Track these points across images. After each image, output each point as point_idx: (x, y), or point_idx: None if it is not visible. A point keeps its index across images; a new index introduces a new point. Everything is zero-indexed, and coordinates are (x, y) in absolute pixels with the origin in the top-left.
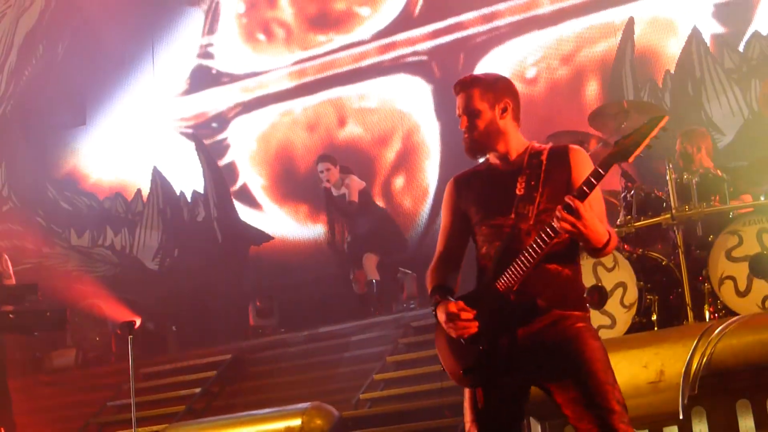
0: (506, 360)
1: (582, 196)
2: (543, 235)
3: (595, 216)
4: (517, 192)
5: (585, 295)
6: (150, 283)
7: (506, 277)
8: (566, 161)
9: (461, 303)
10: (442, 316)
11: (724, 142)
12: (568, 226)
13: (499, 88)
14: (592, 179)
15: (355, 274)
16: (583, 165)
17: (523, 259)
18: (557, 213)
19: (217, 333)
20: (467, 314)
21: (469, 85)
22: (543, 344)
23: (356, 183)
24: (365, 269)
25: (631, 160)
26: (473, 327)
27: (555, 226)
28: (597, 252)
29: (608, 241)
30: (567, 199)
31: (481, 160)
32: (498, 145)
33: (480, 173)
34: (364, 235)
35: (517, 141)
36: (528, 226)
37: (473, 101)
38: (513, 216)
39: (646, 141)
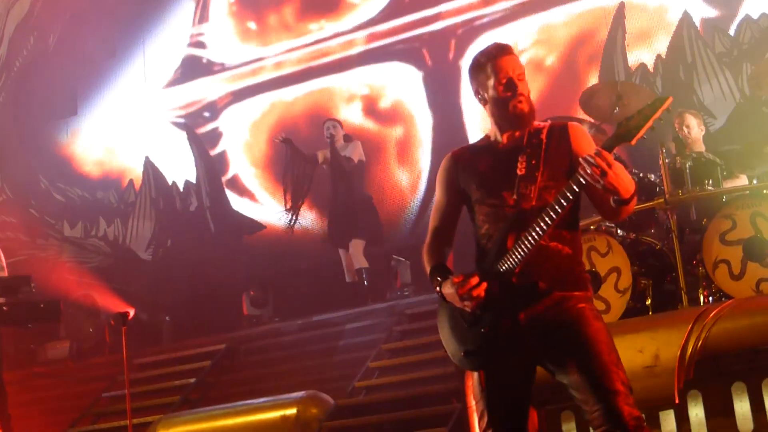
0: (508, 342)
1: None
2: (545, 217)
3: (621, 165)
4: (519, 172)
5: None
6: (143, 273)
7: (508, 258)
8: (566, 137)
9: (461, 275)
10: (449, 289)
11: (716, 125)
12: (597, 172)
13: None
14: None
15: (346, 262)
16: (582, 139)
17: (525, 240)
18: (588, 158)
19: (211, 323)
20: (474, 280)
21: (510, 50)
22: (546, 325)
23: (360, 150)
24: (352, 257)
25: (634, 141)
26: (481, 291)
27: (583, 174)
28: (623, 203)
29: (635, 191)
30: (596, 149)
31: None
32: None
33: (479, 149)
34: (346, 220)
35: None
36: (530, 206)
37: (520, 66)
38: (515, 197)
39: (650, 123)
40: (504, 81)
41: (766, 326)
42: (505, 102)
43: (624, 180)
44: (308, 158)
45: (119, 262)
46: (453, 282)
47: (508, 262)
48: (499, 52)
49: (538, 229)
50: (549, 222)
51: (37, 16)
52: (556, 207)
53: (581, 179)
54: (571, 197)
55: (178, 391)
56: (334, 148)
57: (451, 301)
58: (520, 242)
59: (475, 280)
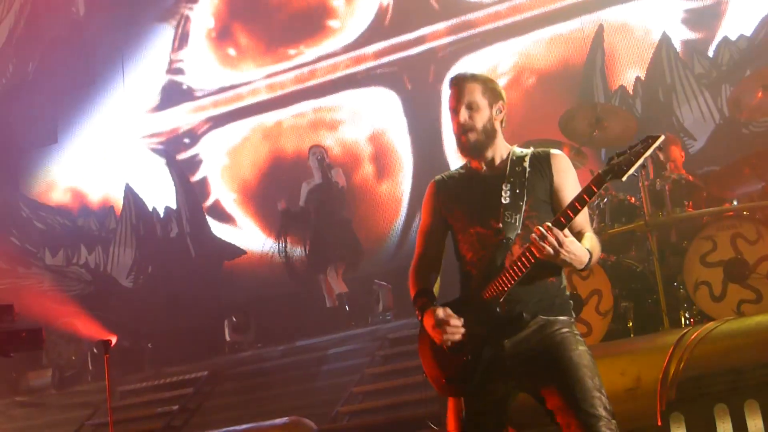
0: (491, 370)
1: (574, 212)
2: (532, 249)
3: (574, 241)
4: (503, 200)
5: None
6: (125, 300)
7: (493, 287)
8: (548, 168)
9: (448, 309)
10: (429, 322)
11: (696, 147)
12: (549, 251)
13: (496, 89)
14: (585, 196)
15: (326, 287)
16: (564, 171)
17: (510, 270)
18: (536, 235)
19: (194, 349)
20: (456, 321)
21: (471, 79)
22: (529, 351)
23: (342, 176)
24: (331, 282)
25: (624, 178)
26: (459, 334)
27: (534, 250)
28: (579, 271)
29: (589, 259)
30: (544, 227)
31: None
32: (490, 148)
33: (463, 177)
34: (326, 245)
35: (503, 145)
36: (515, 236)
37: (475, 95)
38: (500, 225)
39: (640, 160)
40: (453, 119)
41: (748, 348)
42: (456, 135)
43: (575, 256)
44: (303, 216)
45: (101, 290)
46: (437, 317)
47: (493, 292)
48: (452, 81)
49: (520, 264)
50: (527, 263)
51: (16, 43)
52: (528, 255)
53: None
54: (536, 255)
55: (161, 418)
56: (326, 174)
57: (428, 331)
58: (505, 272)
59: (456, 322)
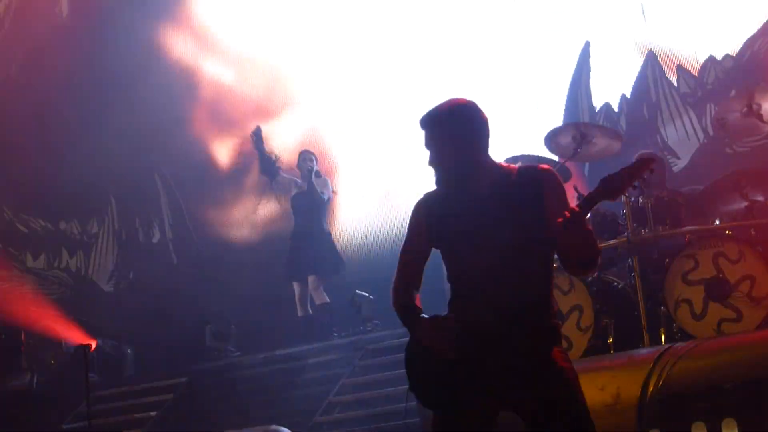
0: (477, 387)
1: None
2: (520, 273)
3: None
4: (491, 218)
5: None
6: (105, 305)
7: (484, 306)
8: (538, 184)
9: (443, 320)
10: (423, 332)
11: (680, 165)
12: (568, 221)
13: (462, 124)
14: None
15: (298, 295)
16: (554, 187)
17: (502, 290)
18: (561, 221)
19: (173, 356)
20: (450, 333)
21: (431, 123)
22: (515, 368)
23: (329, 187)
24: (312, 292)
25: (615, 199)
26: (452, 351)
27: (556, 234)
28: (585, 267)
29: (599, 255)
30: (568, 210)
31: None
32: (467, 178)
33: (451, 196)
34: (306, 254)
35: (486, 166)
36: (507, 255)
37: (437, 141)
38: (489, 244)
39: (632, 182)
40: None
41: (727, 366)
42: None
43: (591, 238)
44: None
45: (82, 294)
46: (428, 324)
47: (484, 311)
48: (420, 125)
49: (513, 281)
50: (521, 276)
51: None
52: (520, 274)
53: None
54: (540, 259)
55: (140, 423)
56: (311, 181)
57: (423, 342)
58: (496, 291)
59: (450, 323)
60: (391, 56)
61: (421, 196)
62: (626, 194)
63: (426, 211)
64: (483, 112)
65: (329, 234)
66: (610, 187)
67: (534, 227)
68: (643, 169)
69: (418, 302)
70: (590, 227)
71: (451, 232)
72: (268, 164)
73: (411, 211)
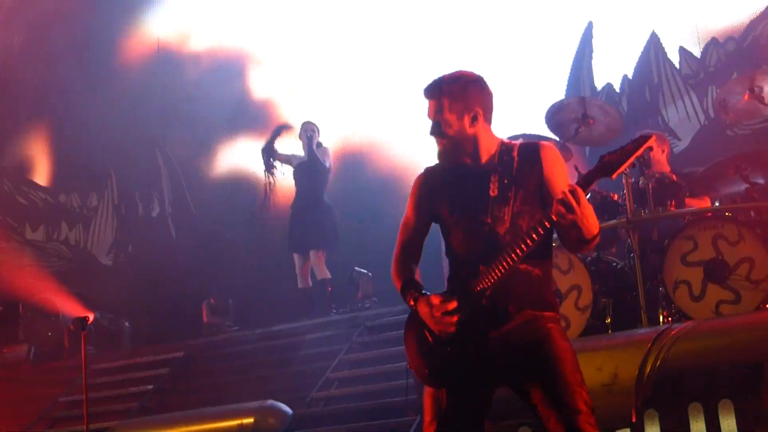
0: (474, 363)
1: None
2: (521, 243)
3: (589, 205)
4: (491, 193)
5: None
6: (104, 278)
7: (480, 281)
8: (538, 159)
9: (444, 300)
10: (425, 310)
11: (680, 147)
12: (566, 212)
13: (469, 96)
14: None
15: (299, 267)
16: (555, 164)
17: (499, 264)
18: (560, 198)
19: (171, 330)
20: (450, 314)
21: (438, 93)
22: (513, 345)
23: (330, 156)
24: (314, 267)
25: (614, 176)
26: (453, 327)
27: (554, 213)
28: (585, 244)
29: (598, 233)
30: (568, 186)
31: None
32: (469, 152)
33: (452, 170)
34: (308, 227)
35: (488, 141)
36: (504, 230)
37: (442, 112)
38: (489, 220)
39: (631, 159)
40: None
41: (724, 348)
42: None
43: (589, 222)
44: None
45: (80, 267)
46: (430, 302)
47: (480, 285)
48: (425, 94)
49: (510, 256)
50: (520, 252)
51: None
52: (527, 240)
53: (552, 216)
54: (542, 232)
55: (136, 397)
56: (312, 150)
57: (424, 320)
58: (492, 266)
59: (452, 305)
60: (395, 34)
61: (422, 169)
62: (625, 172)
63: (427, 185)
64: (488, 86)
65: (330, 206)
66: (608, 163)
67: (531, 203)
68: (641, 147)
69: (417, 276)
70: (589, 205)
71: (451, 206)
72: (267, 160)
73: (412, 185)
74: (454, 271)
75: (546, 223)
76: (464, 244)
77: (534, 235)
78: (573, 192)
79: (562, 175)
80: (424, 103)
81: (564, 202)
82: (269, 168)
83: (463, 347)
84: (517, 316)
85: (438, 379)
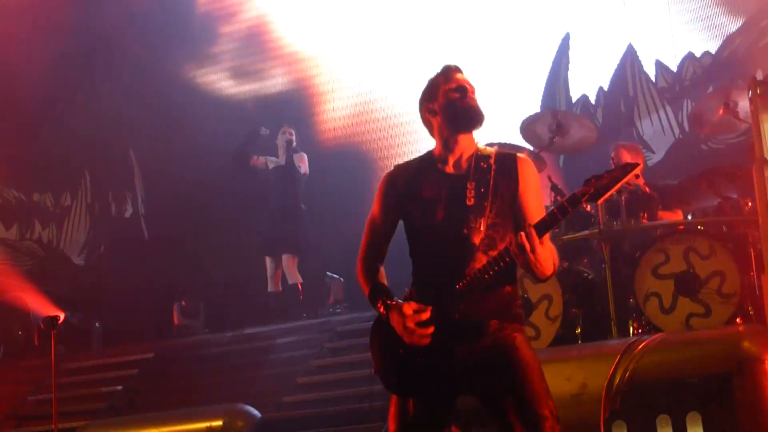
0: (441, 373)
1: (546, 227)
2: (498, 261)
3: (546, 249)
4: (468, 202)
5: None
6: (75, 278)
7: (452, 294)
8: (515, 173)
9: (418, 312)
10: (397, 319)
11: (654, 159)
12: (521, 256)
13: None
14: (558, 214)
15: (270, 271)
16: (530, 180)
17: (470, 278)
18: (516, 239)
19: (141, 331)
20: (425, 326)
21: (460, 69)
22: (481, 356)
23: (306, 162)
24: (286, 271)
25: (600, 202)
26: (427, 340)
27: (510, 248)
28: (537, 280)
29: (551, 274)
30: (526, 229)
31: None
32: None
33: (424, 170)
34: (281, 230)
35: (469, 143)
36: (479, 240)
37: (471, 83)
38: (466, 231)
39: (618, 186)
40: (455, 86)
41: (694, 360)
42: (455, 101)
43: (542, 266)
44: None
45: (52, 266)
46: (403, 312)
47: (451, 298)
48: (451, 69)
49: (482, 275)
50: (488, 278)
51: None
52: (493, 267)
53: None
54: (503, 266)
55: (105, 397)
56: (290, 155)
57: (395, 329)
58: (464, 283)
59: (426, 315)
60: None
61: (392, 168)
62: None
63: (397, 183)
64: None
65: (305, 211)
66: (595, 189)
67: (504, 214)
68: (629, 174)
69: (383, 276)
70: (548, 246)
71: (423, 209)
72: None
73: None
74: (422, 275)
75: (507, 259)
76: (436, 250)
77: (500, 265)
78: (528, 235)
79: (535, 193)
80: (391, 108)
81: (519, 245)
82: (242, 168)
83: (433, 357)
84: (487, 329)
85: (405, 388)
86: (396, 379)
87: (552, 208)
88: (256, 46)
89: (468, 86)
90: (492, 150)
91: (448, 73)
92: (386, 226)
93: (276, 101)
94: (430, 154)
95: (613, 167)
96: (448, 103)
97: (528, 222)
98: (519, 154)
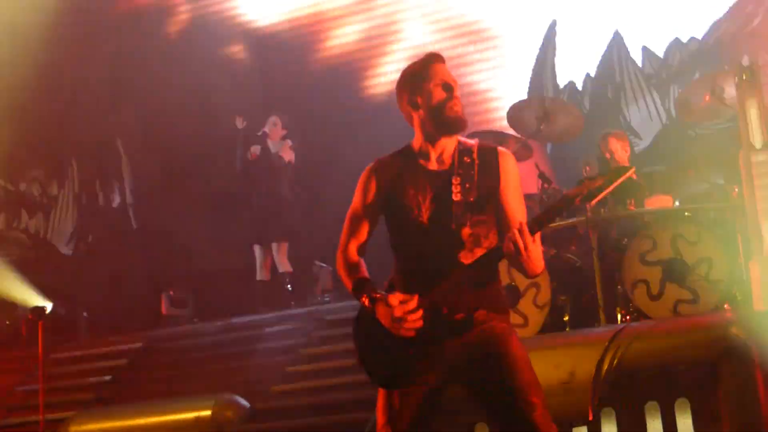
0: (429, 365)
1: (539, 226)
2: (489, 258)
3: (538, 248)
4: (454, 197)
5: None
6: (63, 267)
7: (439, 288)
8: (496, 168)
9: (406, 303)
10: (384, 311)
11: (641, 146)
12: (512, 248)
13: (405, 86)
14: (552, 214)
15: (260, 259)
16: (511, 173)
17: (458, 274)
18: (509, 237)
19: (129, 320)
20: (414, 317)
21: (443, 59)
22: (468, 348)
23: (289, 150)
24: (276, 260)
25: (593, 203)
26: (417, 323)
27: (504, 246)
28: (528, 278)
29: (540, 272)
30: (521, 225)
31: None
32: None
33: (406, 165)
34: (269, 219)
35: (451, 137)
36: (467, 235)
37: (452, 76)
38: (453, 226)
39: (611, 188)
40: (440, 83)
41: (682, 347)
42: (442, 105)
43: (533, 264)
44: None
45: (39, 256)
46: (389, 303)
47: (439, 292)
48: (435, 59)
49: (471, 270)
50: (483, 269)
51: None
52: (481, 262)
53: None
54: (490, 262)
55: (93, 388)
56: (265, 146)
57: (381, 321)
58: (454, 275)
59: (412, 304)
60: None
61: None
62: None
63: (380, 176)
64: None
65: (293, 200)
66: (588, 190)
67: (489, 209)
68: (623, 176)
69: (365, 270)
70: (537, 245)
71: (408, 204)
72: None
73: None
74: (407, 269)
75: (499, 256)
76: (423, 245)
77: (492, 262)
78: (522, 234)
79: (515, 189)
80: (382, 101)
81: (513, 244)
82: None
83: (419, 353)
84: (474, 321)
85: (391, 381)
86: (382, 373)
87: (545, 208)
88: (243, 33)
89: (453, 83)
90: (474, 142)
91: (432, 65)
92: (367, 219)
93: (263, 88)
94: (409, 148)
95: (608, 171)
96: (435, 104)
97: (509, 218)
98: (500, 148)
